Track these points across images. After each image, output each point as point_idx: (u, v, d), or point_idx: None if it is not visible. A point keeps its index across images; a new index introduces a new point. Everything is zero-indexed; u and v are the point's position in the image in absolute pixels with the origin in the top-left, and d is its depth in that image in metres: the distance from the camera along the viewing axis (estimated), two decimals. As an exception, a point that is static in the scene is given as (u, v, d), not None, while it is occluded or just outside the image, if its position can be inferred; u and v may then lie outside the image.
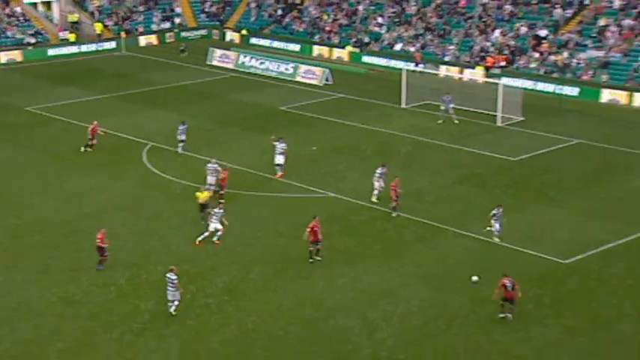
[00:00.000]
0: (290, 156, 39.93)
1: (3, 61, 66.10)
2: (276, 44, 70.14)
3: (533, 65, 58.78)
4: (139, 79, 60.54)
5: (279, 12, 74.97)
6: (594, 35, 58.97)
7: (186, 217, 34.57)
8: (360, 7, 71.20)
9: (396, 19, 68.43)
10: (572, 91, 54.48)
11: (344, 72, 61.57)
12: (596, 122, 49.02)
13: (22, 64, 66.06)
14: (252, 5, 77.12)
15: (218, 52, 66.01)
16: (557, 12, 62.26)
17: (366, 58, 64.85)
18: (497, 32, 62.49)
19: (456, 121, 48.01)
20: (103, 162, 42.13)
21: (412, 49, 63.89)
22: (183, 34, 74.83)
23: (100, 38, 71.69)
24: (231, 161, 40.34)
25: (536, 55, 59.27)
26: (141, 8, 76.68)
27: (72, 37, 71.51)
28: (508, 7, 64.52)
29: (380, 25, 68.51)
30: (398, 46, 65.27)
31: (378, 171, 36.22)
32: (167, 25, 75.86)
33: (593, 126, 48.14)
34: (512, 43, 61.15)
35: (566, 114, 50.77)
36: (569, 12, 62.23)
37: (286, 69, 61.15)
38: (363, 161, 41.82)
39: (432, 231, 33.52)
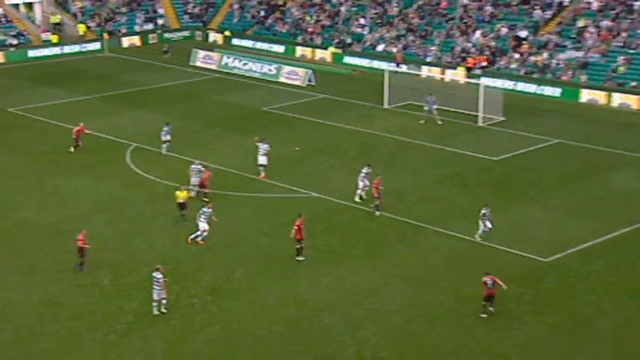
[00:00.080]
0: (273, 156, 40.12)
1: (-15, 63, 65.93)
2: (259, 45, 70.29)
3: (513, 66, 59.29)
4: (122, 80, 60.49)
5: (262, 13, 75.10)
6: (573, 36, 59.59)
7: (170, 218, 34.67)
8: (343, 9, 71.47)
9: (378, 21, 68.77)
10: (554, 91, 55.03)
11: (327, 73, 61.81)
12: (576, 122, 49.56)
13: (4, 66, 65.76)
14: (235, 6, 77.20)
15: (201, 53, 66.06)
16: (537, 13, 62.85)
17: (348, 59, 65.13)
18: (478, 33, 62.97)
19: (440, 122, 48.36)
20: (86, 163, 42.13)
21: (394, 49, 64.25)
22: (166, 35, 74.79)
23: (82, 39, 71.51)
24: (215, 162, 40.47)
25: (517, 55, 59.79)
26: (123, 9, 76.56)
27: (54, 38, 71.31)
28: (489, 9, 65.02)
29: (362, 27, 68.83)
30: (380, 47, 65.60)
31: (364, 170, 36.48)
32: (150, 26, 75.80)
33: (572, 126, 48.66)
34: (492, 43, 61.65)
35: (547, 114, 51.28)
36: (549, 13, 62.84)
37: (269, 70, 61.31)
38: (346, 161, 42.07)
39: (415, 230, 33.81)
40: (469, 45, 62.28)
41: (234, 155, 42.99)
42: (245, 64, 62.98)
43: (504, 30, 62.37)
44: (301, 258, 30.94)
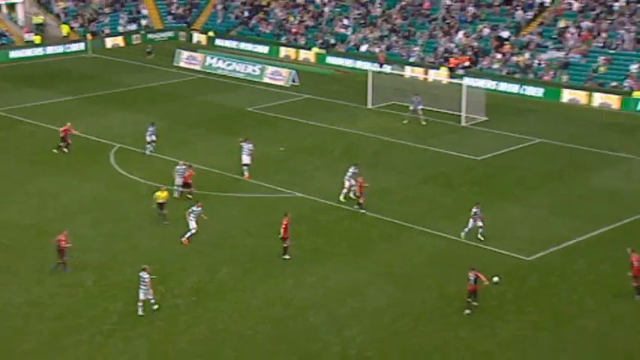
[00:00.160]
0: (257, 157, 40.18)
1: (-34, 63, 65.54)
2: (243, 46, 70.30)
3: (495, 66, 59.64)
4: (106, 80, 60.31)
5: (246, 14, 75.10)
6: (554, 37, 60.02)
7: (154, 218, 34.61)
8: (326, 9, 71.61)
9: (362, 21, 68.96)
10: (537, 91, 55.40)
11: (310, 73, 61.92)
12: (558, 122, 49.91)
13: (-14, 66, 65.50)
14: (219, 7, 77.13)
15: (185, 53, 65.97)
16: (519, 14, 63.25)
17: (332, 60, 65.26)
18: (460, 34, 63.28)
19: (424, 122, 48.58)
20: (70, 164, 42.00)
21: (377, 50, 64.44)
22: (150, 35, 74.62)
23: (66, 40, 71.22)
24: (199, 162, 40.45)
25: (499, 55, 60.16)
26: (107, 10, 76.30)
27: (37, 39, 70.97)
28: (471, 9, 65.37)
29: (345, 27, 68.99)
30: (364, 48, 65.78)
31: (351, 170, 36.59)
32: (133, 27, 75.59)
33: (554, 125, 49.01)
34: (475, 44, 61.98)
35: (529, 114, 51.63)
36: (530, 14, 63.26)
37: (253, 70, 61.34)
38: (330, 161, 42.18)
39: (399, 230, 33.97)
40: (452, 45, 62.58)
41: (218, 155, 43.00)
42: (229, 64, 62.98)
43: (486, 30, 62.74)
44: (287, 257, 31.03)
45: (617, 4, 60.48)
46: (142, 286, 27.01)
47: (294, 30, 70.70)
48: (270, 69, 60.67)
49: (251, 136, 41.59)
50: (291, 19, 72.24)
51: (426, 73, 60.00)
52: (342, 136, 46.86)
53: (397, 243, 32.85)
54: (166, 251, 31.94)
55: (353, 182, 36.29)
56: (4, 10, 73.72)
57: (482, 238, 32.41)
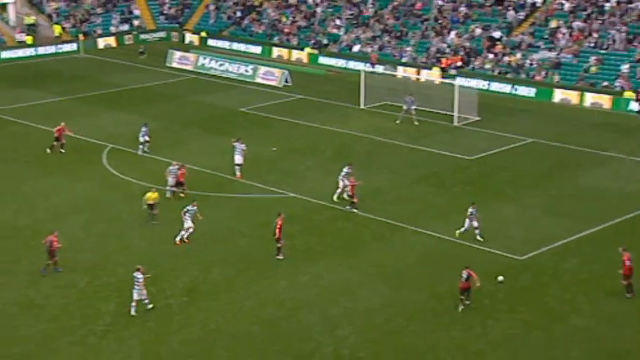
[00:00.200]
0: (250, 157, 40.21)
1: (-42, 64, 65.37)
2: (236, 46, 70.29)
3: (487, 66, 59.79)
4: (98, 81, 60.22)
5: (238, 14, 75.09)
6: (546, 37, 60.22)
7: (146, 219, 34.59)
8: (319, 9, 71.66)
9: (354, 21, 69.04)
10: (529, 91, 55.56)
11: (303, 73, 61.96)
12: (550, 121, 50.08)
13: (-22, 67, 65.35)
14: (211, 7, 77.10)
15: (177, 54, 65.93)
16: (510, 14, 63.44)
17: (324, 60, 65.31)
18: (452, 34, 63.42)
19: (416, 122, 48.68)
20: (62, 164, 41.95)
21: (370, 50, 64.51)
22: (142, 36, 74.52)
23: (58, 40, 71.09)
24: (192, 162, 40.45)
25: (491, 56, 60.32)
26: (99, 10, 76.19)
27: (29, 39, 70.83)
28: (463, 10, 65.51)
29: (338, 27, 69.05)
30: (356, 48, 65.86)
31: (345, 170, 36.65)
32: (126, 27, 75.48)
33: (546, 125, 49.17)
34: (467, 44, 62.12)
35: (521, 114, 51.78)
36: (522, 14, 63.45)
37: (246, 70, 61.36)
38: (323, 161, 42.25)
39: (391, 229, 34.04)
40: (444, 45, 62.71)
41: (210, 156, 43.00)
42: (221, 64, 62.97)
43: (478, 30, 62.89)
44: (281, 257, 31.06)
45: (608, 4, 60.72)
46: (135, 287, 27.03)
47: (286, 30, 70.73)
48: (262, 69, 60.69)
49: (243, 136, 41.61)
50: (284, 19, 72.26)
51: (418, 73, 60.10)
52: (334, 136, 46.92)
53: (389, 243, 32.92)
54: (159, 251, 31.94)
55: (347, 182, 36.34)
56: (-4, 10, 73.62)
57: (482, 239, 32.44)
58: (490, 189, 38.67)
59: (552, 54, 58.38)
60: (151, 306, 27.25)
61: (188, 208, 32.67)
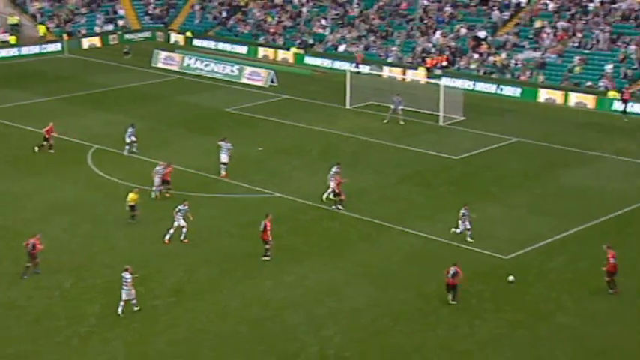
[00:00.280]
0: (236, 157, 40.14)
1: (-59, 64, 64.86)
2: (221, 46, 70.16)
3: (473, 66, 59.97)
4: (83, 81, 59.94)
5: (224, 14, 74.95)
6: (531, 37, 60.47)
7: (127, 219, 34.45)
8: (304, 9, 71.65)
9: (339, 21, 69.07)
10: (514, 91, 55.77)
11: (289, 73, 61.93)
12: (534, 121, 50.28)
13: (-39, 67, 64.89)
14: (197, 7, 76.92)
15: (162, 54, 65.74)
16: (495, 14, 63.66)
17: (310, 60, 65.30)
18: (438, 34, 63.56)
19: (402, 122, 48.75)
20: (46, 165, 41.72)
21: (355, 50, 64.54)
22: (127, 36, 74.23)
23: (42, 40, 70.71)
24: (178, 162, 40.28)
25: (476, 56, 60.50)
26: (83, 10, 75.83)
27: (13, 39, 70.42)
28: (448, 10, 65.67)
29: (323, 27, 69.06)
30: (342, 48, 65.89)
31: (333, 170, 36.64)
32: (110, 27, 75.16)
33: (531, 125, 49.36)
34: (452, 44, 62.28)
35: (506, 113, 51.97)
36: (507, 14, 63.69)
37: (231, 70, 61.26)
38: (309, 161, 42.23)
39: (377, 229, 34.06)
40: (429, 45, 62.84)
41: (196, 156, 42.89)
42: (207, 65, 62.84)
43: (463, 30, 63.06)
44: (267, 258, 31.01)
45: (591, 4, 61.06)
46: (124, 287, 26.94)
47: (272, 30, 70.67)
48: (248, 69, 60.61)
49: (229, 136, 41.51)
50: (269, 19, 72.20)
51: (403, 73, 60.21)
52: (320, 136, 46.92)
53: (375, 242, 32.93)
54: (145, 252, 31.82)
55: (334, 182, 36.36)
56: (-21, 10, 73.16)
57: (472, 240, 32.50)
58: (475, 188, 38.76)
59: (537, 54, 58.64)
60: (137, 308, 27.15)
61: (180, 207, 32.63)
